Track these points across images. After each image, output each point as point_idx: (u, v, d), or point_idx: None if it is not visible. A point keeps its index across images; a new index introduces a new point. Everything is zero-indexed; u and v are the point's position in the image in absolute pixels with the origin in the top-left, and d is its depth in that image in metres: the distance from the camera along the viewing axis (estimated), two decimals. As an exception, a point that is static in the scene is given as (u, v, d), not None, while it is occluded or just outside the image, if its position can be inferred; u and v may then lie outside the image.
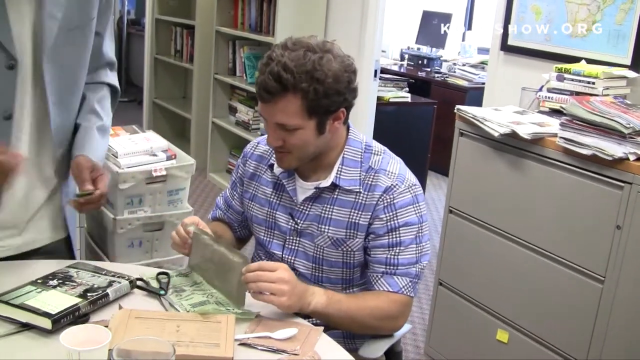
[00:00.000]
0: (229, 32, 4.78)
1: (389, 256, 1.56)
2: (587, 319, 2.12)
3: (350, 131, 1.63)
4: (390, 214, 1.55)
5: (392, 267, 1.56)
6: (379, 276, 1.57)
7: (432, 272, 3.61)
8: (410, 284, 1.56)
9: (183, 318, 1.37)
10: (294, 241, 1.64)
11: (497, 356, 2.46)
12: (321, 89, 1.44)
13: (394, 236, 1.56)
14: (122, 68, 8.44)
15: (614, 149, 2.00)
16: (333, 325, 1.55)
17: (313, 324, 1.48)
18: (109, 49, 1.73)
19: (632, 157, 1.97)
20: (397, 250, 1.56)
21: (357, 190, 1.57)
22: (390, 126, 4.31)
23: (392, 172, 1.58)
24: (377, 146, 1.64)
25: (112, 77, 1.76)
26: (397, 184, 1.56)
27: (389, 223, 1.56)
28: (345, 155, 1.60)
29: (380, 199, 1.55)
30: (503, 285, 2.42)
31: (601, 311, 2.08)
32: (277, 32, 4.18)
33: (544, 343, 2.28)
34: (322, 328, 1.41)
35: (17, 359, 1.22)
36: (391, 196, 1.55)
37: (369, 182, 1.57)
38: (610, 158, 1.98)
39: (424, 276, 1.63)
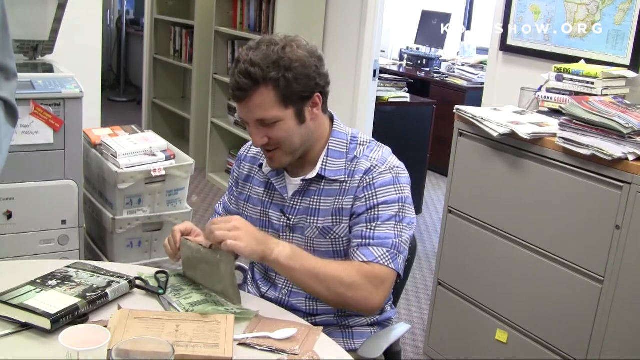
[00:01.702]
0: (228, 32, 4.78)
1: (365, 230, 1.54)
2: (586, 319, 2.12)
3: (334, 123, 1.64)
4: (370, 192, 1.55)
5: (367, 240, 1.53)
6: (355, 249, 1.54)
7: (432, 272, 3.61)
8: (387, 254, 1.51)
9: (182, 318, 1.37)
10: (287, 237, 1.64)
11: (497, 356, 2.46)
12: (290, 75, 1.47)
13: (372, 213, 1.54)
14: (121, 68, 8.46)
15: (613, 149, 2.00)
16: (299, 284, 1.51)
17: (312, 323, 1.48)
18: (10, 62, 1.50)
19: (631, 157, 1.97)
20: (374, 225, 1.54)
21: (342, 179, 1.58)
22: (390, 126, 4.31)
23: (373, 157, 1.58)
24: (363, 137, 1.65)
25: (6, 89, 1.52)
26: (377, 165, 1.57)
27: (368, 202, 1.55)
28: (330, 147, 1.61)
29: (361, 181, 1.56)
30: (502, 285, 2.42)
31: (600, 311, 2.08)
32: (276, 32, 4.18)
33: (543, 343, 2.28)
34: (322, 328, 1.41)
35: (16, 359, 1.22)
36: (370, 176, 1.56)
37: (352, 169, 1.58)
38: (610, 158, 1.98)
39: (406, 252, 1.57)
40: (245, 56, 1.48)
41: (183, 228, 1.58)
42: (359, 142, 1.62)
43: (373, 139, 1.66)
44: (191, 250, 1.52)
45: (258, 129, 1.52)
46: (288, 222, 1.63)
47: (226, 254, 1.46)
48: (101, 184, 2.76)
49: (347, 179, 1.58)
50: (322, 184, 1.59)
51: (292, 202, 1.62)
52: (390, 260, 1.52)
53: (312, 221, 1.60)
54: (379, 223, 1.54)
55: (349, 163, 1.59)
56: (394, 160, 1.60)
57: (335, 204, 1.58)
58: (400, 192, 1.56)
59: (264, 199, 1.68)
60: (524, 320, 2.35)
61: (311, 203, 1.60)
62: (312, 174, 1.59)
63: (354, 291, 1.49)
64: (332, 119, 1.65)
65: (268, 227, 1.67)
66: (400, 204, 1.56)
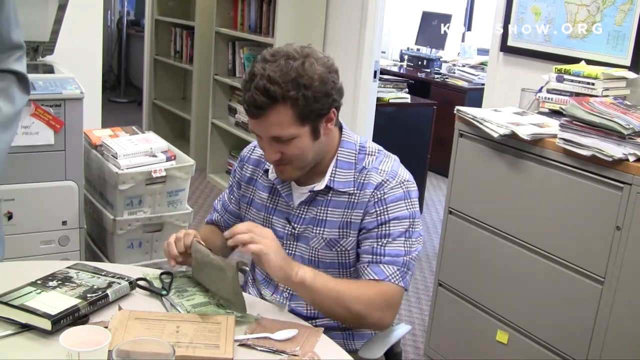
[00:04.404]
0: (229, 33, 4.78)
1: (375, 246, 1.54)
2: (586, 319, 2.12)
3: (343, 133, 1.62)
4: (381, 208, 1.54)
5: (378, 257, 1.53)
6: (366, 266, 1.54)
7: (432, 273, 3.61)
8: (398, 272, 1.52)
9: (183, 319, 1.37)
10: (291, 245, 1.64)
11: (497, 357, 2.46)
12: (310, 94, 1.43)
13: (383, 229, 1.54)
14: (121, 69, 8.46)
15: (614, 149, 2.00)
16: (319, 306, 1.52)
17: (313, 325, 1.48)
18: (13, 31, 1.65)
19: (631, 158, 1.97)
20: (385, 242, 1.53)
21: (351, 191, 1.56)
22: (390, 127, 4.31)
23: (383, 170, 1.57)
24: (372, 146, 1.62)
25: (19, 64, 1.69)
26: (388, 180, 1.55)
27: (379, 217, 1.54)
28: (338, 158, 1.59)
29: (372, 195, 1.54)
30: (503, 286, 2.42)
31: (601, 312, 2.08)
32: (276, 33, 4.18)
33: (543, 344, 2.28)
34: (322, 329, 1.41)
35: (16, 360, 1.23)
36: (382, 192, 1.54)
37: (362, 181, 1.56)
38: (610, 159, 1.98)
39: (414, 268, 1.59)
40: (262, 70, 1.42)
41: (193, 234, 1.56)
42: (367, 152, 1.60)
43: (381, 148, 1.63)
44: (201, 254, 1.52)
45: (272, 145, 1.50)
46: (293, 230, 1.62)
47: (231, 266, 1.45)
48: (102, 184, 2.76)
49: (356, 192, 1.56)
50: (330, 194, 1.58)
51: (298, 211, 1.61)
52: (400, 279, 1.53)
53: (318, 231, 1.59)
54: (389, 240, 1.54)
55: (358, 174, 1.57)
56: (403, 173, 1.58)
57: (344, 216, 1.57)
58: (411, 207, 1.56)
59: (267, 204, 1.66)
60: (524, 321, 2.35)
61: (318, 213, 1.59)
62: (320, 185, 1.58)
63: (371, 311, 1.50)
64: (340, 127, 1.63)
65: None
66: (411, 220, 1.56)
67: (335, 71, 1.51)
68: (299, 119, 1.45)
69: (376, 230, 1.54)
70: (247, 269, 1.82)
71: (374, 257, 1.53)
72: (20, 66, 1.68)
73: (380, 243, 1.54)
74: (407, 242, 1.55)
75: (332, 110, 1.51)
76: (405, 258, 1.54)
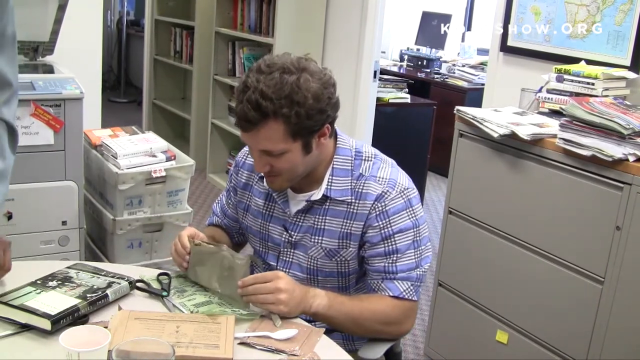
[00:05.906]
0: (229, 33, 4.78)
1: (386, 264, 1.54)
2: (586, 319, 2.12)
3: (338, 139, 1.59)
4: (384, 221, 1.53)
5: (391, 274, 1.54)
6: (379, 282, 1.55)
7: (432, 273, 3.60)
8: (411, 287, 1.54)
9: (182, 319, 1.37)
10: (288, 253, 1.63)
11: (497, 357, 2.46)
12: (303, 111, 1.40)
13: (390, 244, 1.53)
14: (121, 69, 8.46)
15: (614, 149, 2.00)
16: (336, 328, 1.54)
17: (314, 326, 1.48)
18: (5, 68, 1.45)
19: (631, 158, 1.97)
20: (395, 258, 1.53)
21: (349, 200, 1.55)
22: (390, 127, 4.31)
23: (382, 178, 1.54)
24: (368, 151, 1.60)
25: (8, 109, 1.46)
26: (388, 190, 1.53)
27: (382, 231, 1.53)
28: (334, 166, 1.57)
29: (372, 208, 1.52)
30: (503, 286, 2.42)
31: (601, 312, 2.08)
32: (276, 33, 4.18)
33: (543, 344, 2.28)
34: (324, 330, 1.41)
35: (16, 360, 1.23)
36: (383, 204, 1.52)
37: (360, 190, 1.54)
38: (610, 159, 1.98)
39: (426, 278, 1.60)
40: (256, 83, 1.39)
41: (187, 234, 1.56)
42: (363, 158, 1.58)
43: (377, 153, 1.62)
44: (201, 254, 1.52)
45: (262, 157, 1.48)
46: (290, 238, 1.61)
47: (244, 258, 1.46)
48: (101, 184, 2.76)
49: (354, 201, 1.54)
50: (328, 203, 1.57)
51: (294, 219, 1.60)
52: (414, 293, 1.55)
53: (316, 240, 1.58)
54: (399, 255, 1.54)
55: (355, 181, 1.55)
56: (402, 180, 1.56)
57: (343, 227, 1.55)
58: (413, 216, 1.55)
59: (263, 211, 1.65)
60: (524, 321, 2.35)
61: (315, 222, 1.58)
62: (317, 195, 1.56)
63: (388, 326, 1.54)
64: (335, 135, 1.60)
65: (268, 240, 1.66)
66: (415, 230, 1.55)
67: (332, 85, 1.48)
68: (291, 135, 1.43)
69: (382, 245, 1.53)
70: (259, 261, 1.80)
71: (387, 274, 1.54)
72: (10, 113, 1.47)
73: (390, 260, 1.54)
74: (417, 252, 1.56)
75: (326, 126, 1.49)
76: (417, 272, 1.55)
